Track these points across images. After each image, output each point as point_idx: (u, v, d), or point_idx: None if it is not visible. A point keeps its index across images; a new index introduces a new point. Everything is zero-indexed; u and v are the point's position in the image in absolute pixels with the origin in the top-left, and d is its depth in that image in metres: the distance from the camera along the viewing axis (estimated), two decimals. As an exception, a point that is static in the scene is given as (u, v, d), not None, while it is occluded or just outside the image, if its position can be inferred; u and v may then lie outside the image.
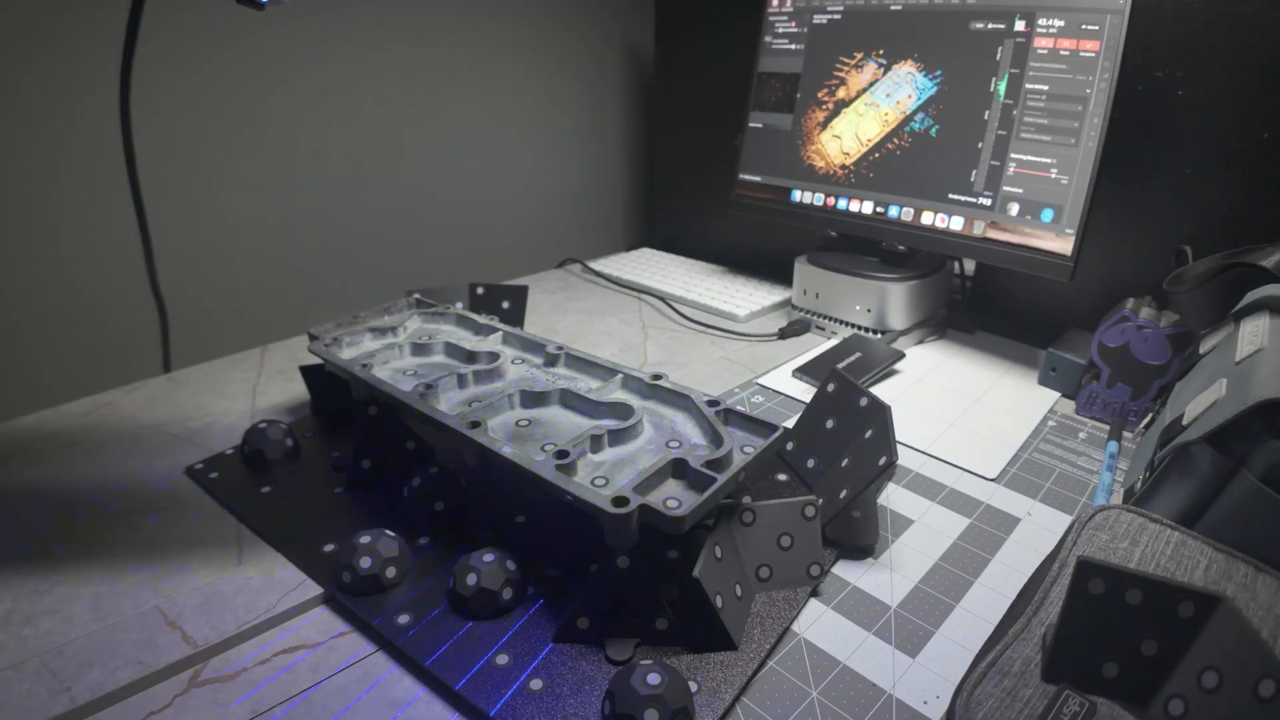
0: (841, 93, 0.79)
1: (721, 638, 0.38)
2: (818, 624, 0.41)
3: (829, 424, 0.52)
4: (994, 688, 0.30)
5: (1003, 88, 0.67)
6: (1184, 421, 0.40)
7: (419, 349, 0.57)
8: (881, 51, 0.76)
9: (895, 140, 0.75)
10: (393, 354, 0.56)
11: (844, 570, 0.45)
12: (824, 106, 0.81)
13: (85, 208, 0.71)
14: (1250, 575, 0.32)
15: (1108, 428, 0.62)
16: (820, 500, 0.43)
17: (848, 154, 0.79)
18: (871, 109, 0.77)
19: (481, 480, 0.51)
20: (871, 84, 0.77)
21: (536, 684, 0.36)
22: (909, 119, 0.74)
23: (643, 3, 1.11)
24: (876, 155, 0.77)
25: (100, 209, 0.72)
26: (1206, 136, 0.64)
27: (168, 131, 0.74)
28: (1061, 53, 0.64)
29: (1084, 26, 0.62)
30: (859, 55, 0.78)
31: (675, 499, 0.38)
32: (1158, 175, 0.67)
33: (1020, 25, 0.66)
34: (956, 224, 0.71)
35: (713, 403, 0.46)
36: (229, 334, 0.83)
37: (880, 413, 0.47)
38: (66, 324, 0.73)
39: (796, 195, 0.84)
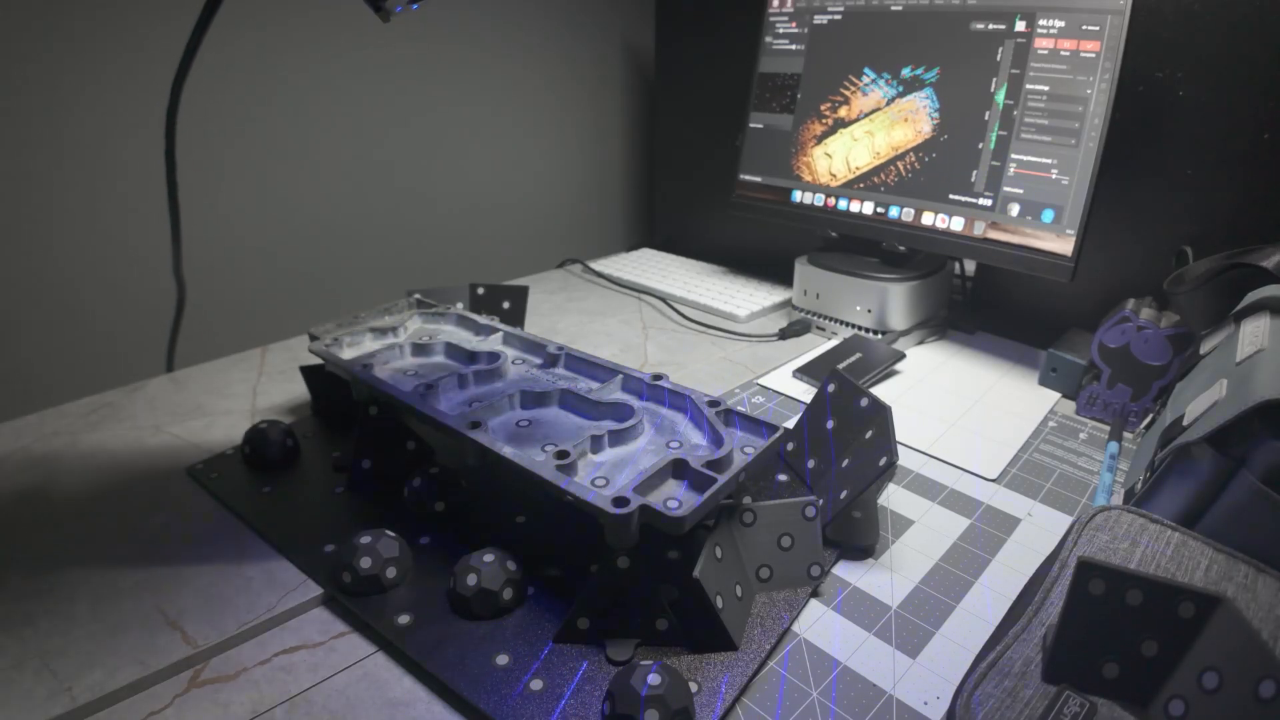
0: (843, 111, 0.79)
1: (722, 638, 0.38)
2: (818, 624, 0.41)
3: (829, 424, 0.52)
4: (994, 688, 0.30)
5: (1003, 89, 0.67)
6: (1185, 422, 0.41)
7: (419, 349, 0.57)
8: (891, 79, 0.75)
9: (881, 175, 0.76)
10: (393, 354, 0.56)
11: (844, 571, 0.45)
12: (824, 120, 0.81)
13: (85, 208, 0.71)
14: (1251, 576, 0.32)
15: (1108, 428, 0.62)
16: (820, 501, 0.43)
17: (835, 176, 0.80)
18: (867, 137, 0.77)
19: (482, 480, 0.51)
20: (874, 110, 0.77)
21: (536, 684, 0.36)
22: (900, 156, 0.74)
23: (643, 3, 1.11)
24: (861, 185, 0.77)
25: (101, 209, 0.72)
26: (1207, 137, 0.64)
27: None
28: (1062, 53, 0.64)
29: (1084, 27, 0.62)
30: (868, 78, 0.78)
31: (675, 499, 0.38)
32: (1158, 176, 0.67)
33: (1021, 26, 0.66)
34: (957, 224, 0.71)
35: (713, 403, 0.46)
36: (230, 334, 0.83)
37: (881, 413, 0.47)
38: (67, 323, 0.73)
39: (797, 196, 0.84)
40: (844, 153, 0.79)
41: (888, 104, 0.76)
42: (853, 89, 0.79)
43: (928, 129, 0.72)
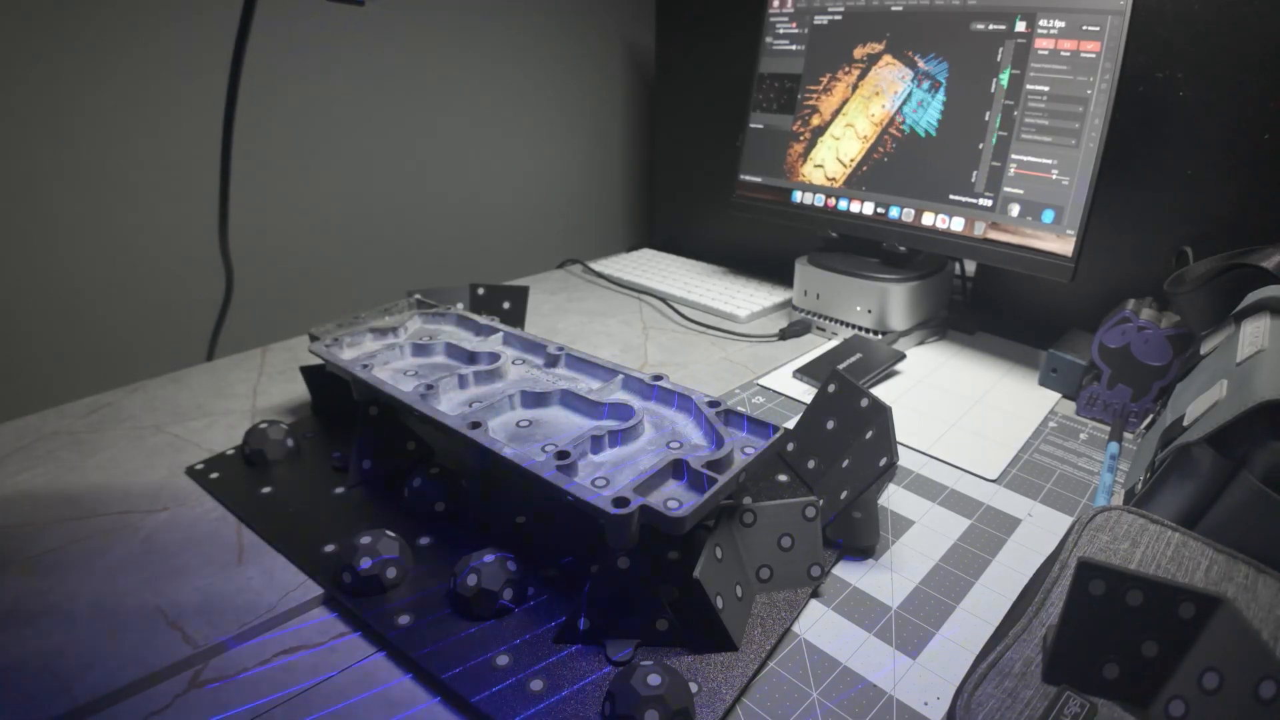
0: (815, 120, 0.80)
1: (722, 638, 0.38)
2: (818, 625, 0.41)
3: (830, 425, 0.52)
4: (995, 689, 0.30)
5: (1004, 88, 0.67)
6: (1185, 422, 0.40)
7: (420, 349, 0.57)
8: (847, 69, 0.76)
9: (878, 151, 0.76)
10: (393, 354, 0.56)
11: (844, 571, 0.45)
12: (800, 139, 0.81)
13: (85, 208, 0.71)
14: (1251, 576, 0.32)
15: (1108, 429, 0.62)
16: (821, 501, 0.43)
17: (834, 179, 0.80)
18: (848, 130, 0.77)
19: (482, 481, 0.51)
20: (843, 103, 0.77)
21: (537, 685, 0.36)
22: (888, 123, 0.75)
23: (643, 3, 1.11)
24: (864, 169, 0.77)
25: (102, 209, 0.72)
26: (1207, 138, 0.64)
27: (168, 132, 0.74)
28: (1062, 54, 0.64)
29: (1085, 27, 0.62)
30: (825, 78, 0.79)
31: (675, 500, 0.38)
32: (1158, 176, 0.67)
33: (1021, 26, 0.66)
34: (957, 225, 0.71)
35: (713, 403, 0.46)
36: (231, 334, 0.82)
37: (881, 413, 0.47)
38: (68, 323, 0.73)
39: (797, 196, 0.84)
40: (832, 155, 0.79)
41: (854, 90, 0.76)
42: (815, 95, 0.79)
43: (904, 85, 0.73)
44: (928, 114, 0.72)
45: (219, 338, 0.74)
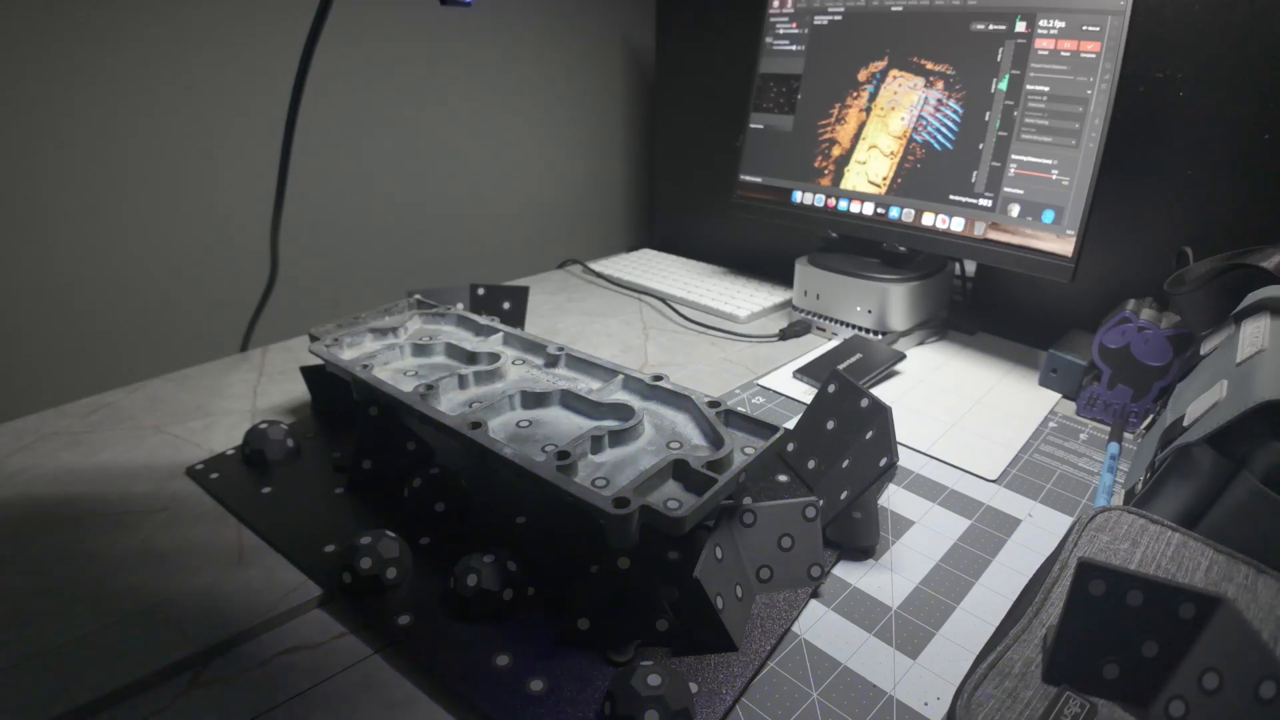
0: (836, 151, 0.80)
1: (722, 638, 0.38)
2: (818, 625, 0.41)
3: (830, 425, 0.52)
4: (995, 689, 0.30)
5: (1004, 89, 0.67)
6: (1185, 423, 0.40)
7: (420, 350, 0.57)
8: (855, 93, 0.77)
9: (909, 160, 0.75)
10: (393, 355, 0.56)
11: (844, 571, 0.45)
12: (825, 174, 0.81)
13: (84, 208, 0.71)
14: (1251, 576, 0.32)
15: (1109, 429, 0.62)
16: (821, 501, 0.43)
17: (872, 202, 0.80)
18: (872, 152, 0.77)
19: (482, 481, 0.51)
20: (860, 126, 0.77)
21: (537, 685, 0.36)
22: (913, 133, 0.74)
23: (643, 3, 1.11)
24: (899, 180, 0.76)
25: (100, 209, 0.72)
26: (1207, 137, 0.64)
27: (170, 129, 0.74)
28: (1062, 54, 0.64)
29: (1085, 28, 0.62)
30: (836, 108, 0.79)
31: (676, 500, 0.38)
32: (1158, 176, 0.67)
33: (1021, 26, 0.66)
34: (957, 225, 0.71)
35: (713, 404, 0.46)
36: (231, 334, 0.83)
37: (881, 414, 0.47)
38: (67, 323, 0.73)
39: (797, 196, 0.84)
40: (864, 180, 0.79)
41: (868, 113, 0.76)
42: (827, 128, 0.79)
43: (919, 91, 0.72)
44: (946, 112, 0.71)
45: (254, 329, 0.75)
